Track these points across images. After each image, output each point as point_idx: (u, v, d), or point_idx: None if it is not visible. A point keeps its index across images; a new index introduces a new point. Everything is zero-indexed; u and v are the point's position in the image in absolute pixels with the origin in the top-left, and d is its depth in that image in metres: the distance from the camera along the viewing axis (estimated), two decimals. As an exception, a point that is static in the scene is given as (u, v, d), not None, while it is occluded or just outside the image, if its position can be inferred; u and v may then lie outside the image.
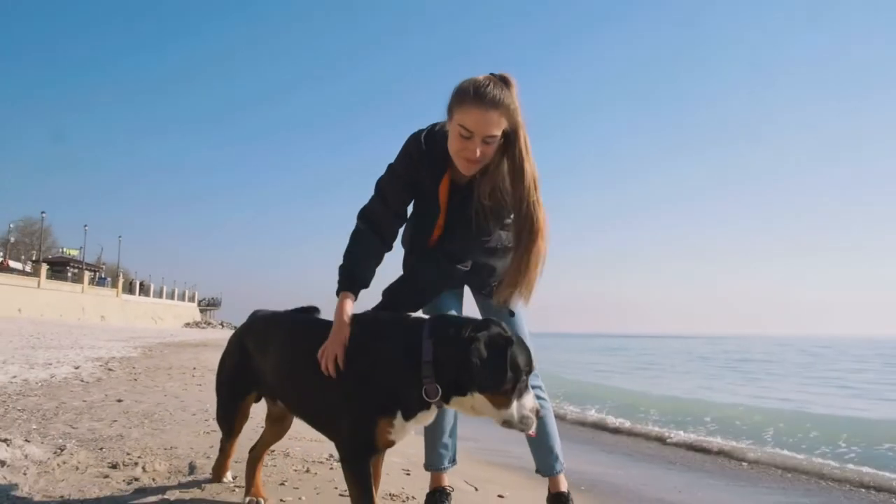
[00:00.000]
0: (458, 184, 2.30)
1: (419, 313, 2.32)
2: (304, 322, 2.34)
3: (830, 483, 4.91)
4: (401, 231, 2.43)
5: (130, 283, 56.18)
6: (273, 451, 3.47)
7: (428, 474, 2.64)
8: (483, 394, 1.89)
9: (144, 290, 58.12)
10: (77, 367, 8.71)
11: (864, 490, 4.69)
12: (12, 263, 42.92)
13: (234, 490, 2.75)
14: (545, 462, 2.52)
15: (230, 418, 2.57)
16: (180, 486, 2.77)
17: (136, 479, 2.80)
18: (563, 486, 2.52)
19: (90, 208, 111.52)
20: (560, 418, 7.73)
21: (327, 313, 2.27)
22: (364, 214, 2.31)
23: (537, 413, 1.95)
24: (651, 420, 7.90)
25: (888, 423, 7.97)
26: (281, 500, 2.63)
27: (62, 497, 2.50)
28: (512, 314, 2.46)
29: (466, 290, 2.63)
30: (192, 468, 3.05)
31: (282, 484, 2.89)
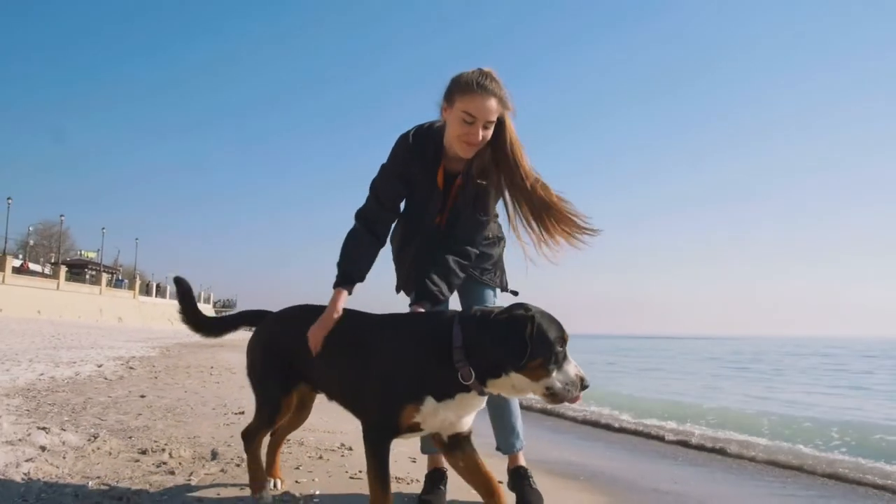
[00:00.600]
0: (451, 173, 2.59)
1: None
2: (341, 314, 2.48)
3: (826, 478, 5.05)
4: (393, 226, 2.69)
5: (147, 285, 56.93)
6: (289, 440, 3.72)
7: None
8: (519, 372, 2.02)
9: (161, 291, 58.86)
10: (100, 366, 9.05)
11: (859, 485, 4.82)
12: (32, 266, 43.71)
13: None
14: (507, 440, 2.76)
15: (275, 409, 2.52)
16: (204, 469, 3.03)
17: (164, 464, 3.07)
18: (522, 462, 2.74)
19: (106, 211, 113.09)
20: (559, 416, 7.94)
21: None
22: (360, 214, 2.58)
23: (583, 381, 2.05)
24: (654, 416, 8.04)
25: (880, 419, 8.07)
26: (296, 482, 2.89)
27: (99, 478, 2.77)
28: (515, 293, 2.79)
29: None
30: (214, 454, 3.31)
31: (297, 468, 3.14)
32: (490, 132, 2.42)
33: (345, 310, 2.47)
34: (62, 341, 15.98)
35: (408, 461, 3.56)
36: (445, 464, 2.82)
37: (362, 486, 2.92)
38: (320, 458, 3.39)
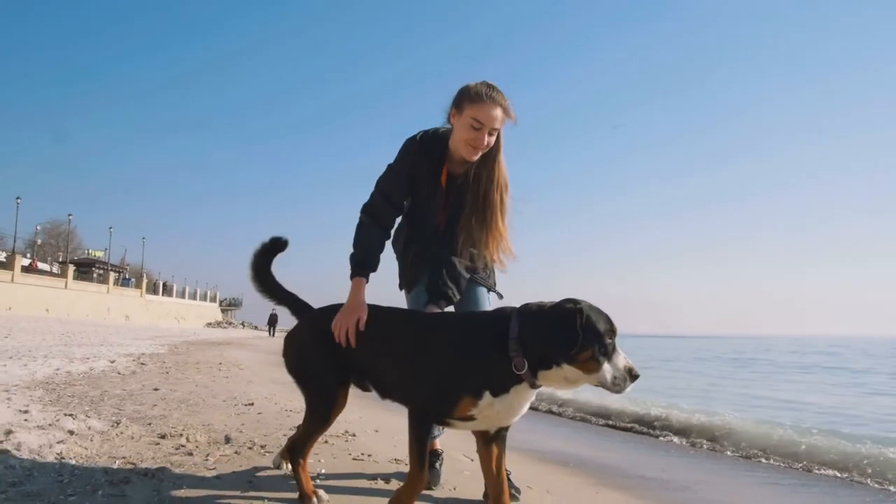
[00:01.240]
0: (453, 175, 2.84)
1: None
2: (389, 311, 2.61)
3: (808, 470, 5.27)
4: (396, 225, 2.94)
5: (154, 284, 57.37)
6: (296, 427, 3.99)
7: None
8: (570, 364, 2.10)
9: (167, 290, 59.30)
10: (112, 362, 9.34)
11: (837, 472, 5.03)
12: (39, 265, 44.16)
13: (264, 455, 3.27)
14: None
15: (330, 402, 2.49)
16: (220, 451, 3.29)
17: (182, 446, 3.33)
18: (438, 446, 3.00)
19: (112, 210, 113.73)
20: (558, 415, 8.18)
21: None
22: (367, 209, 2.79)
23: (631, 371, 2.12)
24: (650, 407, 8.23)
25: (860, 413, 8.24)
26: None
27: (124, 458, 3.03)
28: (500, 296, 3.01)
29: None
30: (227, 439, 3.58)
31: (304, 451, 3.40)
32: (494, 139, 2.68)
33: (401, 309, 2.67)
34: (72, 339, 16.28)
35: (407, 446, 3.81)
36: (440, 446, 3.08)
37: (364, 467, 3.18)
38: (325, 442, 3.64)
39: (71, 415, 3.77)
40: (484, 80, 2.68)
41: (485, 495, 2.65)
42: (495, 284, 3.07)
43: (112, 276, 48.87)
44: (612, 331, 2.13)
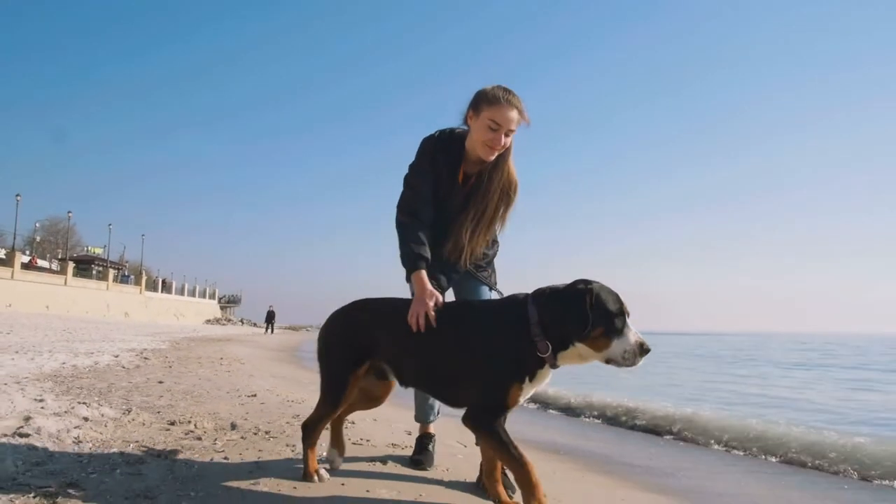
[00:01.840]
0: (469, 174, 2.97)
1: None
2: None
3: (789, 462, 5.46)
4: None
5: (153, 281, 57.49)
6: (298, 415, 4.19)
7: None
8: (582, 342, 2.22)
9: (167, 287, 59.42)
10: (116, 356, 9.53)
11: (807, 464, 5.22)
12: (39, 262, 44.27)
13: (269, 440, 3.47)
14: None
15: (341, 387, 2.61)
16: (227, 436, 3.49)
17: (191, 432, 3.53)
18: (431, 430, 3.20)
19: (111, 207, 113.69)
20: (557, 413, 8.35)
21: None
22: (403, 208, 2.90)
23: (643, 346, 2.21)
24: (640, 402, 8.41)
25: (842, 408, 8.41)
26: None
27: (138, 442, 3.23)
28: (500, 294, 3.11)
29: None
30: (233, 426, 3.77)
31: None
32: (510, 140, 2.80)
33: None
34: (74, 335, 16.46)
35: (404, 433, 4.01)
36: (433, 429, 3.27)
37: (363, 451, 3.38)
38: (326, 429, 3.83)
39: (84, 403, 3.97)
40: (499, 84, 2.80)
41: (478, 480, 2.80)
42: (495, 282, 3.19)
43: (111, 272, 48.95)
44: (622, 309, 2.25)
